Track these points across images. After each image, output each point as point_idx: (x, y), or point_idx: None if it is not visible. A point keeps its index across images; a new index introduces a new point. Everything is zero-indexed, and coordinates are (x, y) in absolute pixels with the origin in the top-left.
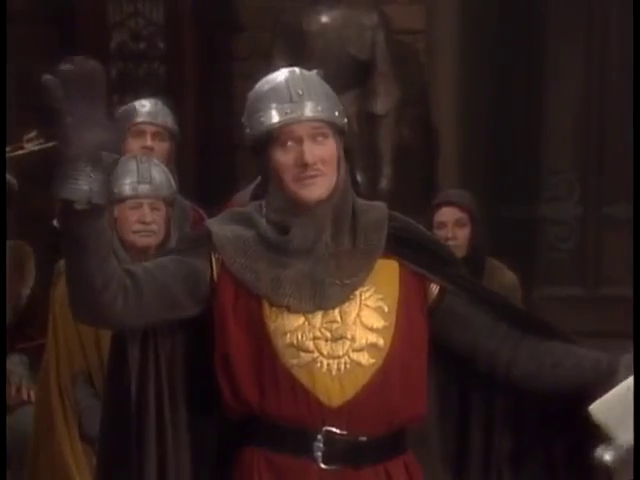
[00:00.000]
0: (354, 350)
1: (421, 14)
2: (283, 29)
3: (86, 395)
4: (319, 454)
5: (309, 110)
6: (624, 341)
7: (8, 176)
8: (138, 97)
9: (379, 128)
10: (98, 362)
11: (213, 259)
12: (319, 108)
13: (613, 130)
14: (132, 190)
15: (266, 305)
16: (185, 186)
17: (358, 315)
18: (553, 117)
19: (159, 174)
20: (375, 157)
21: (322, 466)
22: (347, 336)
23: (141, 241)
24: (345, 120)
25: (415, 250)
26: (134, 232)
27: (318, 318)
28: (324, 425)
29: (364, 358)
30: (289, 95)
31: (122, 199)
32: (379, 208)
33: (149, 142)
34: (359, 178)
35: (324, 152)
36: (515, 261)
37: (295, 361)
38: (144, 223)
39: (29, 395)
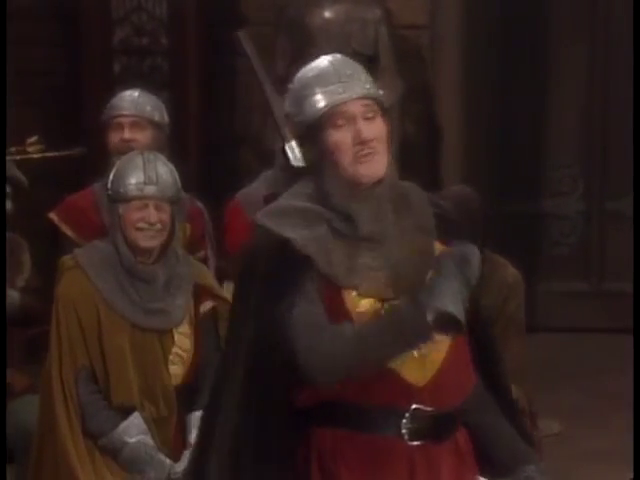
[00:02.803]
0: None
1: (424, 9)
2: (286, 24)
3: (88, 391)
4: (405, 431)
5: (359, 88)
6: (628, 336)
7: (18, 172)
8: None
9: None
10: (101, 358)
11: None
12: (367, 86)
13: (616, 125)
14: (138, 191)
15: (347, 294)
16: (188, 181)
17: None
18: (557, 112)
19: (165, 173)
20: None
21: (408, 443)
22: None
23: (145, 243)
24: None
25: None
26: (138, 230)
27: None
28: (412, 404)
29: (438, 336)
30: (338, 76)
31: (128, 199)
32: (413, 186)
33: (127, 134)
34: None
35: (376, 130)
36: (518, 256)
37: None
38: (149, 223)
39: None
